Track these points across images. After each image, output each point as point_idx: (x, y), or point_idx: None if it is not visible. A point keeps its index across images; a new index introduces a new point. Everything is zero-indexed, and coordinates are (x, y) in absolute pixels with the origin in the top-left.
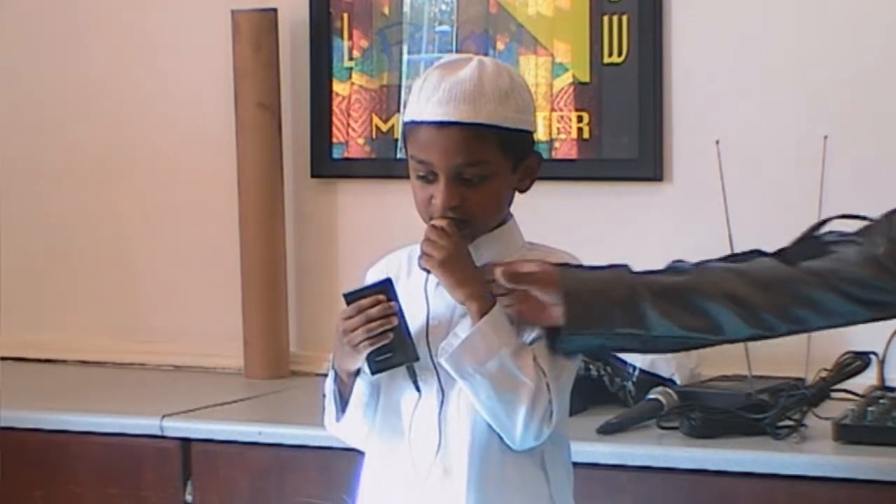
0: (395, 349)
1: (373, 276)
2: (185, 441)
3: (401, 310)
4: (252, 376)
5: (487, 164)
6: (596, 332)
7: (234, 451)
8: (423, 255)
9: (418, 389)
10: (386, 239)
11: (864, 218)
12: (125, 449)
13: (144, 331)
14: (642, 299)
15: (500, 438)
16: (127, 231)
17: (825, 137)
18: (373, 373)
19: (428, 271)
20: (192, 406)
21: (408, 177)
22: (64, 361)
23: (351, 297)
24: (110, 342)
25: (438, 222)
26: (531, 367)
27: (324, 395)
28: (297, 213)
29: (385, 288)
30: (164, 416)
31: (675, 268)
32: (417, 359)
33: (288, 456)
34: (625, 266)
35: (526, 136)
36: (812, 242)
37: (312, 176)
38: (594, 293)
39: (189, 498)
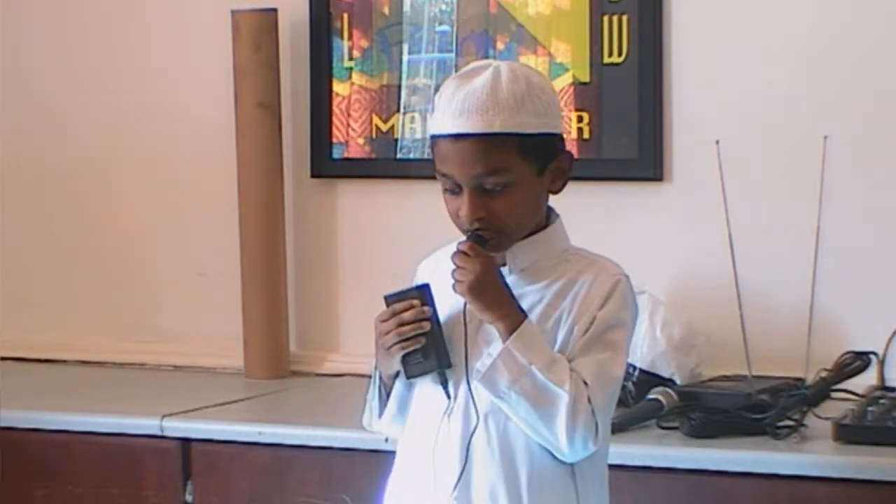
0: (428, 355)
1: (423, 270)
2: (185, 441)
3: (436, 315)
4: (252, 376)
5: (508, 173)
6: None
7: (234, 451)
8: (455, 280)
9: (448, 395)
10: (386, 239)
11: None
12: (125, 449)
13: (144, 331)
14: None
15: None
16: (127, 231)
17: (825, 137)
18: (408, 377)
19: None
20: (192, 406)
21: (407, 177)
22: (64, 361)
23: (391, 300)
24: (110, 342)
25: (463, 246)
26: (567, 379)
27: (367, 394)
28: (297, 213)
29: (422, 293)
30: (164, 416)
31: None
32: (450, 365)
33: (288, 456)
34: None
35: (549, 138)
36: None
37: (312, 176)
38: None
39: (189, 498)
